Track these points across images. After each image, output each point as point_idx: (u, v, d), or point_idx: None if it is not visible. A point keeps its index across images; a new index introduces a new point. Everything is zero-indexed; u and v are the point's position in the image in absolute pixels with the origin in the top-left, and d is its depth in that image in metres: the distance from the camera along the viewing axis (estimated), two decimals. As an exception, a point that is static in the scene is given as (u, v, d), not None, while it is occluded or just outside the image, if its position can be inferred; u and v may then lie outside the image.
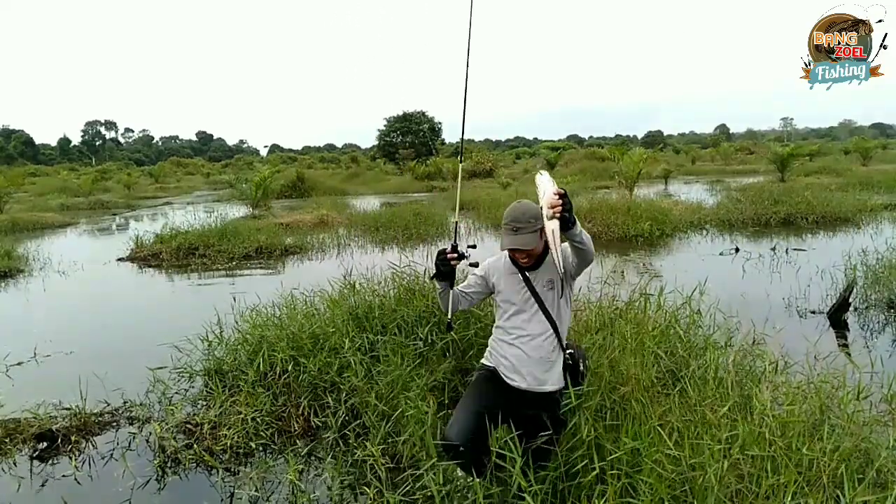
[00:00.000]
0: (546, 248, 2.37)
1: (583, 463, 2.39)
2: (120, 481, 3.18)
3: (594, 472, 2.31)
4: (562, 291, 2.43)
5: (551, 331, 2.41)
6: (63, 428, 3.67)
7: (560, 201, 1.99)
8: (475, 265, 2.58)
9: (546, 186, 2.01)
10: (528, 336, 2.42)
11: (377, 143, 49.98)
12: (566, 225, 2.08)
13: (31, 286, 8.71)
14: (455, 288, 2.57)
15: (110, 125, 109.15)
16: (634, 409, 2.53)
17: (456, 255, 2.44)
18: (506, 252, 2.48)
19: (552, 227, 2.04)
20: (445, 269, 2.48)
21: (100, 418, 3.86)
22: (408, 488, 2.71)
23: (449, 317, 2.62)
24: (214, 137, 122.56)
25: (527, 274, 2.44)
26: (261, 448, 3.41)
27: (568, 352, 2.44)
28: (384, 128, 47.98)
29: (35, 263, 10.34)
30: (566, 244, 2.30)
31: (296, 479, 3.03)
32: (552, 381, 2.43)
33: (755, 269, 7.61)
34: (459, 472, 2.56)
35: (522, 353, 2.43)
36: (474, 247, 2.54)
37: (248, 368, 3.90)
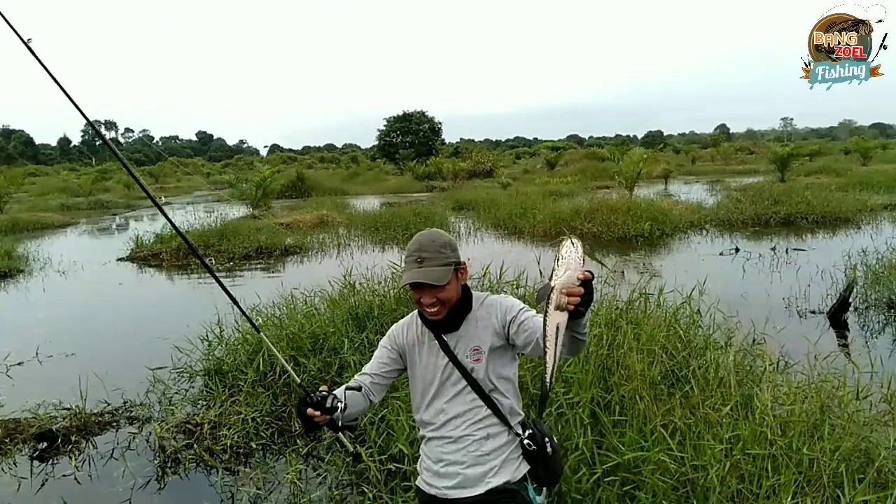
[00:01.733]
0: (465, 298, 1.73)
1: (580, 472, 2.37)
2: (120, 481, 3.18)
3: (595, 476, 2.30)
4: (498, 361, 1.71)
5: (487, 410, 1.70)
6: (63, 428, 3.67)
7: (582, 290, 1.35)
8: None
9: (571, 261, 1.38)
10: (454, 418, 1.71)
11: (377, 143, 49.97)
12: (583, 314, 1.41)
13: (31, 286, 8.70)
14: (356, 379, 1.77)
15: (110, 125, 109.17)
16: (639, 406, 2.53)
17: (321, 411, 1.59)
18: (415, 313, 1.81)
19: (558, 320, 1.39)
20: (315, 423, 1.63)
21: (100, 418, 3.86)
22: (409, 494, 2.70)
23: (352, 450, 2.18)
24: (214, 137, 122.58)
25: (444, 338, 1.72)
26: (261, 448, 3.40)
27: (526, 433, 1.72)
28: (384, 128, 47.99)
29: (35, 263, 10.34)
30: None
31: (296, 480, 3.03)
32: (504, 473, 1.69)
33: (755, 269, 7.61)
34: None
35: (450, 445, 1.71)
36: (332, 390, 1.66)
37: (248, 368, 3.90)
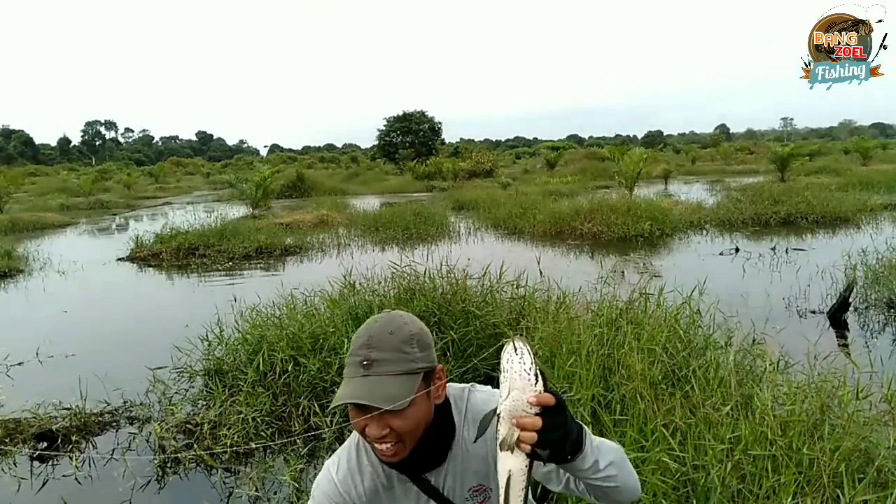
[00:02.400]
0: (441, 422, 1.14)
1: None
2: (120, 481, 3.18)
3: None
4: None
5: None
6: (63, 428, 3.67)
7: (538, 421, 0.89)
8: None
9: (514, 376, 0.91)
10: None
11: (377, 142, 49.94)
12: (554, 458, 0.94)
13: (30, 286, 8.70)
14: None
15: (110, 125, 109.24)
16: (640, 406, 2.53)
17: None
18: (355, 443, 1.20)
19: (510, 465, 0.92)
20: None
21: (100, 418, 3.86)
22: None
23: None
24: (214, 137, 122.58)
25: (427, 478, 1.16)
26: (261, 448, 3.40)
27: None
28: (384, 128, 47.96)
29: (35, 263, 10.33)
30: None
31: (295, 479, 3.03)
32: None
33: (755, 269, 7.60)
34: None
35: None
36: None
37: (247, 368, 3.90)
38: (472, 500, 1.18)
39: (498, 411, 0.91)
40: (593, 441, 1.01)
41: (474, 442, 1.06)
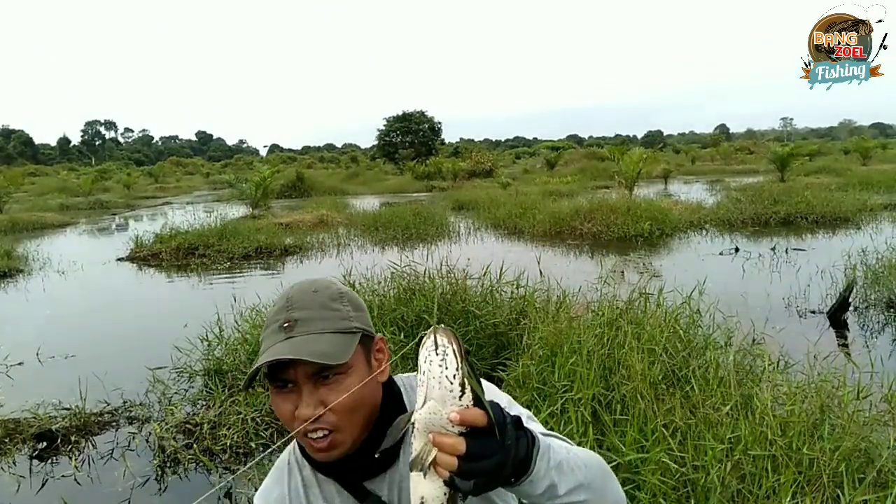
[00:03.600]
0: (390, 405, 0.92)
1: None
2: (120, 481, 3.17)
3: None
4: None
5: None
6: (63, 428, 3.67)
7: (460, 442, 0.67)
8: None
9: (434, 381, 0.67)
10: None
11: (377, 142, 49.94)
12: (481, 490, 0.69)
13: (30, 286, 8.70)
14: None
15: (110, 125, 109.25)
16: (640, 406, 2.53)
17: None
18: (289, 456, 0.98)
19: (422, 492, 0.70)
20: None
21: (100, 418, 3.86)
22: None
23: None
24: (214, 137, 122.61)
25: (367, 487, 0.91)
26: (261, 448, 3.40)
27: None
28: (384, 128, 47.95)
29: (35, 263, 10.33)
30: None
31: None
32: None
33: (755, 269, 7.60)
34: None
35: None
36: None
37: (247, 368, 3.90)
38: None
39: (412, 420, 0.69)
40: (554, 459, 0.76)
41: (376, 455, 0.80)
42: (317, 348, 0.80)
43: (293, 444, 0.97)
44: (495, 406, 0.71)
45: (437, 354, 0.67)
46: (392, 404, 0.91)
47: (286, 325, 0.84)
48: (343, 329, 0.85)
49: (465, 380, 0.67)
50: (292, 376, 0.82)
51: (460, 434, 0.67)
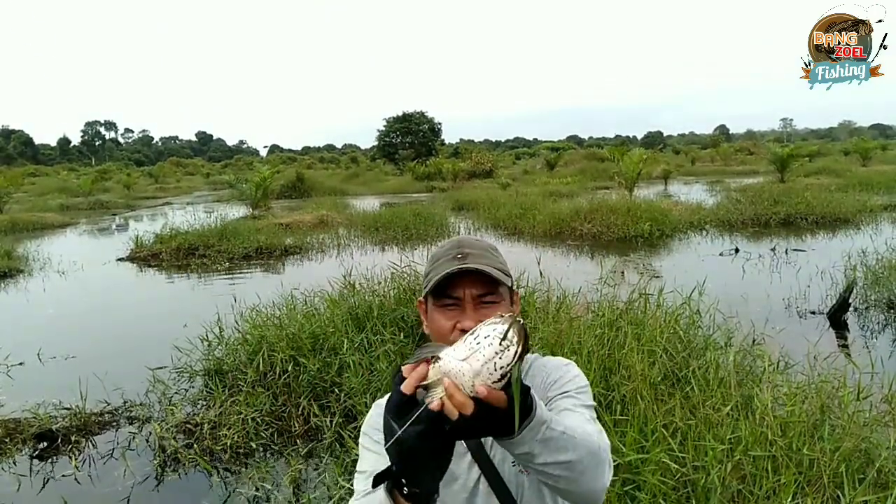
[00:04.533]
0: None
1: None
2: (120, 481, 3.18)
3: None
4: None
5: None
6: (63, 428, 3.67)
7: (470, 405, 0.71)
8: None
9: (483, 349, 0.71)
10: None
11: (377, 143, 49.97)
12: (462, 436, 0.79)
13: (31, 286, 8.70)
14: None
15: (110, 125, 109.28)
16: (640, 406, 2.53)
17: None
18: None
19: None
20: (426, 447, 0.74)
21: (100, 418, 3.86)
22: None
23: None
24: (214, 138, 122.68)
25: (479, 443, 1.00)
26: (261, 448, 3.40)
27: None
28: (384, 128, 47.98)
29: (35, 263, 10.33)
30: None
31: (296, 479, 3.03)
32: None
33: (755, 270, 7.61)
34: None
35: None
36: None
37: (247, 368, 3.90)
38: (516, 465, 0.98)
39: (440, 355, 0.73)
40: (545, 434, 0.80)
41: (402, 364, 0.80)
42: (490, 267, 1.00)
43: None
44: (523, 396, 0.75)
45: (500, 344, 0.70)
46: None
47: (459, 255, 1.01)
48: (502, 268, 1.04)
49: (509, 376, 0.71)
50: (460, 294, 1.00)
51: (470, 397, 0.71)
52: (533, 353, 1.13)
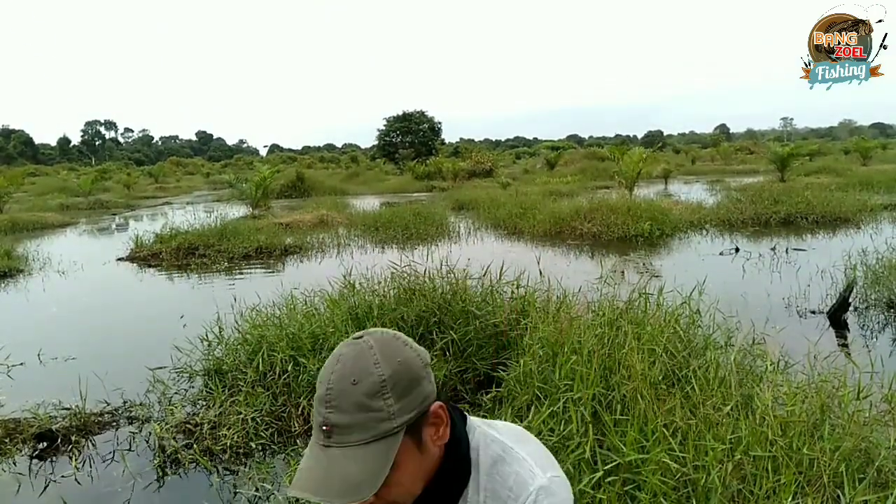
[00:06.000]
0: (452, 461, 0.92)
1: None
2: (120, 481, 3.17)
3: (597, 476, 2.30)
4: None
5: None
6: (63, 428, 3.67)
7: None
8: None
9: None
10: None
11: (377, 142, 49.97)
12: None
13: (30, 286, 8.70)
14: None
15: (110, 125, 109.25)
16: (640, 406, 2.53)
17: None
18: None
19: None
20: None
21: (100, 418, 3.85)
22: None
23: None
24: (214, 137, 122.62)
25: None
26: (261, 448, 3.40)
27: None
28: (384, 128, 47.97)
29: (35, 263, 10.33)
30: None
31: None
32: None
33: (755, 269, 7.60)
34: None
35: None
36: None
37: (247, 368, 3.90)
38: None
39: None
40: None
41: None
42: (345, 474, 0.80)
43: None
44: None
45: None
46: (452, 457, 0.92)
47: (325, 427, 0.83)
48: (383, 433, 0.81)
49: None
50: None
51: None
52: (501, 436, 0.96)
